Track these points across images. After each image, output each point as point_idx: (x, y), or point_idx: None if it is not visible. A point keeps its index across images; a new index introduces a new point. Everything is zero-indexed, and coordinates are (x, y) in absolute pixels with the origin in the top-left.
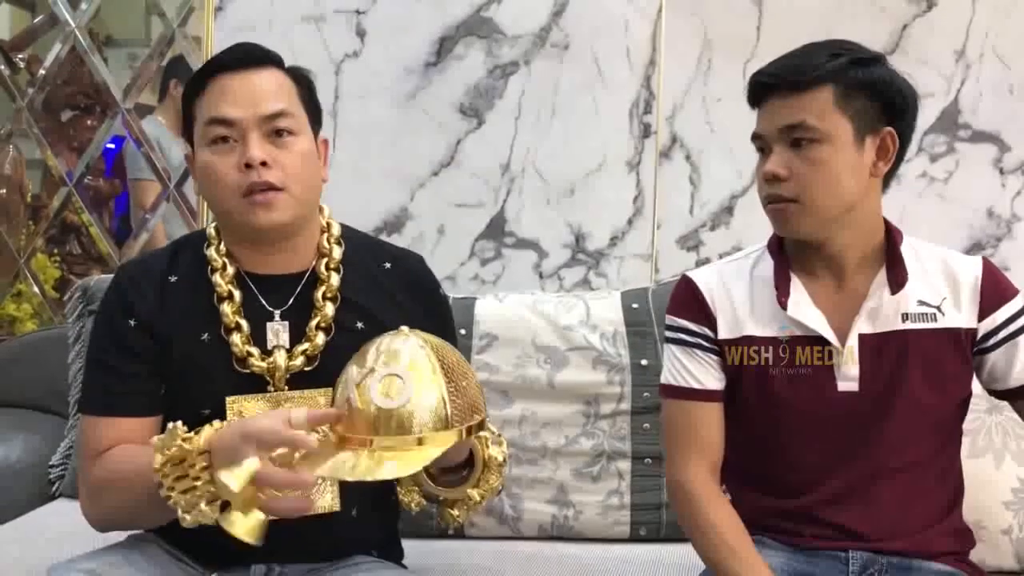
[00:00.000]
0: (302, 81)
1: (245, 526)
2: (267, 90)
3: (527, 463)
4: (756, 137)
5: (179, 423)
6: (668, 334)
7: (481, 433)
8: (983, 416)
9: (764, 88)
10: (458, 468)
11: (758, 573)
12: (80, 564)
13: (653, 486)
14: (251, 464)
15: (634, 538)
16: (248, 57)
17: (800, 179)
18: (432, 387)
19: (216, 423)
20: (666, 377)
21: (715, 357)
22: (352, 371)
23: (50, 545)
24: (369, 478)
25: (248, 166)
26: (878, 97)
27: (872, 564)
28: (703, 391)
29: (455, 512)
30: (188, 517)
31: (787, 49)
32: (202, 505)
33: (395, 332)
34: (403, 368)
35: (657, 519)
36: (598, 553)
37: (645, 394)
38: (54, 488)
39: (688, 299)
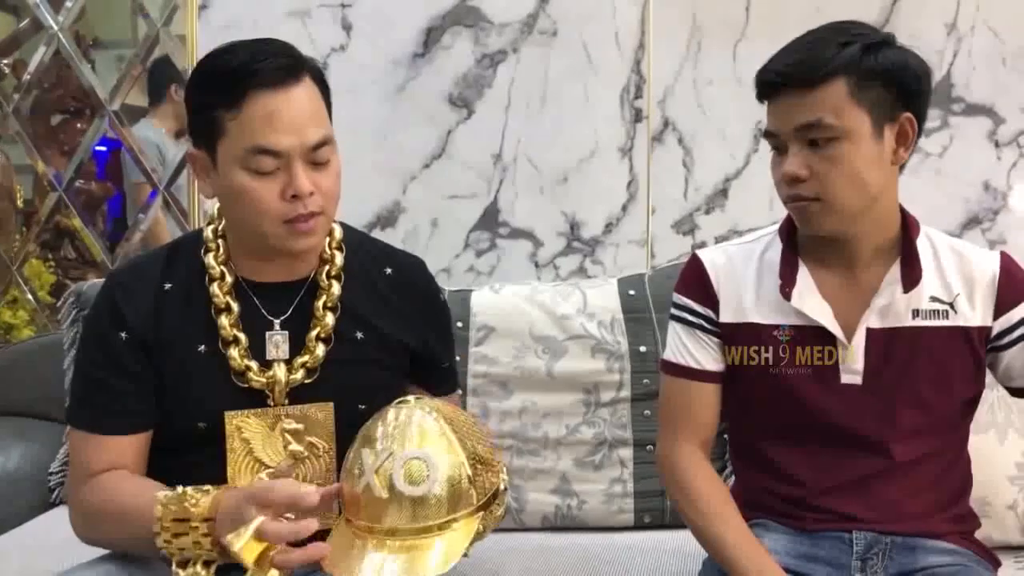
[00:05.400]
0: (323, 82)
1: None
2: (310, 113)
3: (528, 454)
4: (770, 135)
5: (189, 489)
6: (673, 311)
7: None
8: (985, 391)
9: (773, 86)
10: None
11: (742, 535)
12: (77, 574)
13: (656, 473)
14: (255, 523)
15: (638, 526)
16: (287, 72)
17: (821, 178)
18: (454, 465)
19: (222, 488)
20: (667, 353)
21: (716, 339)
22: (366, 456)
23: (51, 554)
24: None
25: (295, 196)
26: (893, 83)
27: (876, 544)
28: (701, 371)
29: None
30: (182, 573)
31: (777, 30)
32: (198, 567)
33: (401, 403)
34: (423, 449)
35: (661, 506)
36: (602, 542)
37: (645, 381)
38: (54, 495)
39: (694, 279)
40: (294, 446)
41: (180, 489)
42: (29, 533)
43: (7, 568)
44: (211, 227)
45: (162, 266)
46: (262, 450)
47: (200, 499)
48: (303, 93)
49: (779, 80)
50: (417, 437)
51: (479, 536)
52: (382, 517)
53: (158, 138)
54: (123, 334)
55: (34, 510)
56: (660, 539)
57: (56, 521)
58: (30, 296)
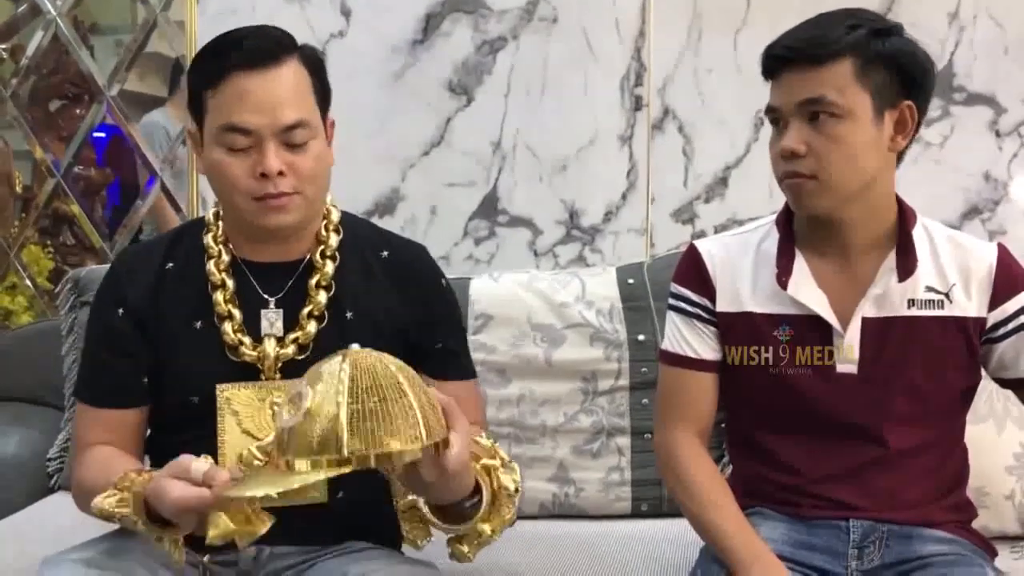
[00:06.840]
0: (316, 68)
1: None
2: (286, 95)
3: (527, 442)
4: (771, 110)
5: (112, 497)
6: (670, 301)
7: (490, 461)
8: (984, 381)
9: (781, 61)
10: (464, 500)
11: (738, 524)
12: (72, 555)
13: (653, 461)
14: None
15: (636, 514)
16: (267, 54)
17: (818, 155)
18: (326, 409)
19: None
20: (665, 343)
21: (713, 329)
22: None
23: (48, 540)
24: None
25: (264, 175)
26: (897, 70)
27: (873, 532)
28: (698, 360)
29: (464, 548)
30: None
31: (777, 18)
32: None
33: (343, 352)
34: (309, 386)
35: (658, 495)
36: (600, 530)
37: (643, 369)
38: (52, 481)
39: (691, 269)
40: None
41: (102, 497)
42: (26, 519)
43: (4, 554)
44: (214, 210)
45: (166, 247)
46: (251, 422)
47: (128, 507)
48: (284, 75)
49: (787, 55)
50: (312, 377)
51: (487, 539)
52: (279, 446)
53: (164, 120)
54: (120, 311)
55: (32, 496)
56: (657, 527)
57: (54, 507)
58: (28, 282)
